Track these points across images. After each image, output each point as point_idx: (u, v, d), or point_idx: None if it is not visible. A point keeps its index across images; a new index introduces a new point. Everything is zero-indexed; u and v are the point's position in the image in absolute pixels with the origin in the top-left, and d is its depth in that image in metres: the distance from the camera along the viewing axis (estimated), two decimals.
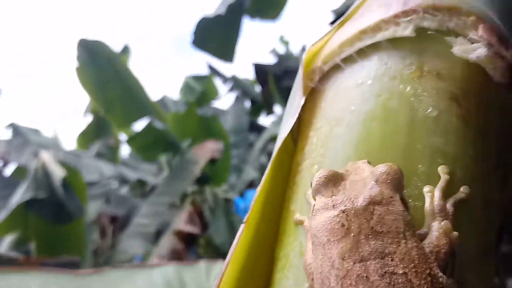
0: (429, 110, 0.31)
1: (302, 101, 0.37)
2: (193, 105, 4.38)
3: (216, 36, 2.39)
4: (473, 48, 0.31)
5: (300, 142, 0.38)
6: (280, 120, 4.41)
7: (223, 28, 2.37)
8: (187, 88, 5.32)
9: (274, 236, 0.35)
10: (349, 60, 0.37)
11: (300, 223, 0.32)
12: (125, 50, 5.07)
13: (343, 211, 0.26)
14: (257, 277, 0.35)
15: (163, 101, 4.97)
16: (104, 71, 4.02)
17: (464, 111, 0.31)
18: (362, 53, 0.36)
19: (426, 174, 0.29)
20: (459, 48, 0.32)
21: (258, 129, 4.76)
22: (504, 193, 0.32)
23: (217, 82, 5.52)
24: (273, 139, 4.12)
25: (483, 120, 0.31)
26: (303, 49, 5.58)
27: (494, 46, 0.30)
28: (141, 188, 4.22)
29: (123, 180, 3.99)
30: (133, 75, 4.17)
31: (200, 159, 3.68)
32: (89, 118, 4.62)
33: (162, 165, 4.54)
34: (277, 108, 4.97)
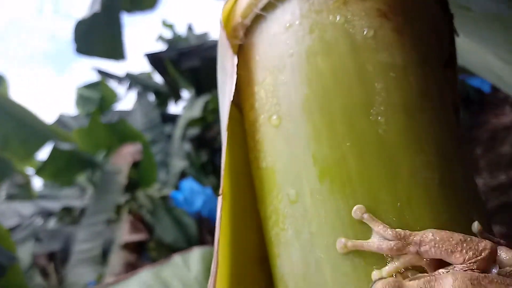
0: (365, 31, 0.31)
1: (236, 60, 0.36)
2: (95, 115, 4.13)
3: (100, 36, 2.22)
4: None
5: (246, 102, 0.36)
6: (191, 103, 4.34)
7: (104, 27, 2.21)
8: (82, 99, 4.97)
9: (253, 200, 0.34)
10: (269, 7, 0.36)
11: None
12: (0, 80, 4.58)
13: None
14: (251, 245, 0.34)
15: (61, 120, 4.62)
16: None
17: (395, 24, 0.32)
18: None
19: (385, 89, 0.29)
20: None
21: (171, 119, 4.64)
22: (448, 83, 0.34)
23: (113, 84, 5.24)
24: (190, 124, 4.06)
25: (415, 27, 0.32)
26: (189, 27, 5.47)
27: None
28: (70, 215, 3.95)
29: (47, 214, 3.69)
30: (19, 104, 3.80)
31: (122, 167, 3.54)
32: None
33: (84, 185, 4.28)
34: (184, 93, 4.87)
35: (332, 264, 0.27)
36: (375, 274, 0.26)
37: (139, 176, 3.74)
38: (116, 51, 2.53)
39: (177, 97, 5.02)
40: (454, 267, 0.25)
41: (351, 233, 0.27)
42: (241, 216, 0.35)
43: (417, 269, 0.26)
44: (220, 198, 0.32)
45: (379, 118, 0.29)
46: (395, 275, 0.26)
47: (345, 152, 0.29)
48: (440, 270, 0.25)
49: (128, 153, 3.66)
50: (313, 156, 0.30)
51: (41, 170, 3.86)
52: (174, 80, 4.43)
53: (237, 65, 0.36)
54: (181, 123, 4.05)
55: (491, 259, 0.25)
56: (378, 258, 0.26)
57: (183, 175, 3.85)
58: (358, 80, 0.30)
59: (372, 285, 0.25)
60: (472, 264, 0.24)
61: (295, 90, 0.32)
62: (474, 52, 1.02)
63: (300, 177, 0.30)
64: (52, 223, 3.77)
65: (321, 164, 0.29)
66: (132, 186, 3.58)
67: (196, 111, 3.97)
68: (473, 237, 0.25)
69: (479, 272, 0.24)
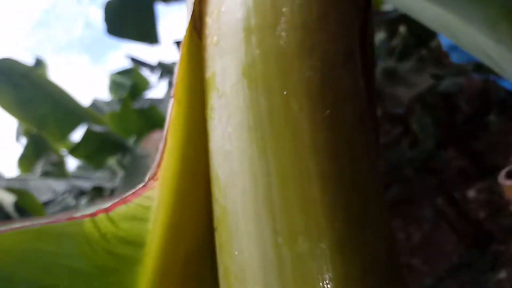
0: None
1: None
2: (127, 101, 4.31)
3: (131, 18, 2.36)
4: None
5: (202, 33, 0.46)
6: None
7: (135, 9, 2.33)
8: (115, 85, 5.21)
9: (203, 108, 0.44)
10: None
11: None
12: (39, 63, 4.86)
13: None
14: (200, 146, 0.44)
15: (95, 105, 4.84)
16: (23, 88, 3.86)
17: None
18: None
19: (290, 12, 0.39)
20: None
21: None
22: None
23: (145, 72, 5.43)
24: None
25: None
26: None
27: None
28: (100, 195, 4.15)
29: (79, 192, 3.91)
30: (57, 86, 4.03)
31: (152, 152, 3.66)
32: (23, 141, 4.44)
33: (115, 169, 4.46)
34: None
35: (237, 136, 0.38)
36: None
37: None
38: (149, 35, 2.65)
39: None
40: None
41: None
42: (193, 119, 0.44)
43: None
44: (172, 100, 0.43)
45: (282, 33, 0.38)
46: None
47: (255, 58, 0.39)
48: None
49: (158, 139, 3.75)
50: (234, 62, 0.40)
51: (74, 150, 4.07)
52: None
53: (198, 1, 0.46)
54: None
55: None
56: None
57: None
58: (270, 6, 0.39)
59: None
60: None
61: (230, 16, 0.42)
62: (464, 32, 1.07)
63: (225, 78, 0.40)
64: (83, 202, 3.97)
65: (239, 67, 0.39)
66: None
67: None
68: None
69: None
